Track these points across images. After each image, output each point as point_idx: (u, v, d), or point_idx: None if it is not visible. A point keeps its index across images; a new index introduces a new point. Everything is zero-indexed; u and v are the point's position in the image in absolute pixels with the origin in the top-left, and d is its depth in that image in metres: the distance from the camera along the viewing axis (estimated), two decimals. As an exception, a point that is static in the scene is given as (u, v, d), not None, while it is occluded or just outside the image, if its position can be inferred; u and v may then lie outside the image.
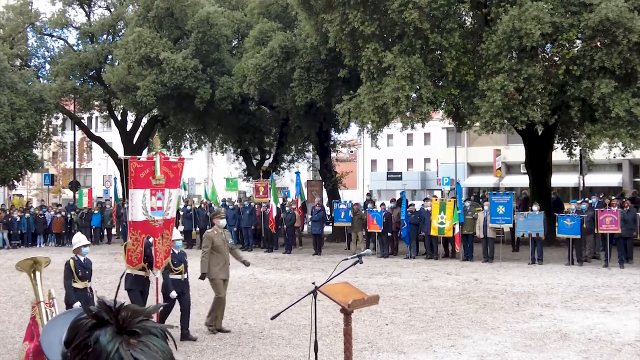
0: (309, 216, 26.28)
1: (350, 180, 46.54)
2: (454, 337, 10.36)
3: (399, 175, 58.82)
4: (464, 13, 22.90)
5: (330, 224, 27.78)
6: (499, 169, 44.53)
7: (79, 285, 9.45)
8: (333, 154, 35.29)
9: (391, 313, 12.40)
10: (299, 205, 25.72)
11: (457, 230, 20.63)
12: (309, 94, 25.07)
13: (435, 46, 21.34)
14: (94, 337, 1.43)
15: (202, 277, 11.12)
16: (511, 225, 21.00)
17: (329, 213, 27.39)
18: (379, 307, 12.63)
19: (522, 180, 34.28)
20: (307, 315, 7.65)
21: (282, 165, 34.59)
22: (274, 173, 30.95)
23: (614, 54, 18.61)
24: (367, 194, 32.76)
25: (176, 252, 10.60)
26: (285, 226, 24.41)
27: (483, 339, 10.17)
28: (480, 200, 27.07)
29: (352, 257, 6.85)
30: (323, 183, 31.96)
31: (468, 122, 23.87)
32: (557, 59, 20.39)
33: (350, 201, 25.04)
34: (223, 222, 11.61)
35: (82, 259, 9.58)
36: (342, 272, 6.48)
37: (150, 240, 9.93)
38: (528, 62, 19.83)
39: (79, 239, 9.83)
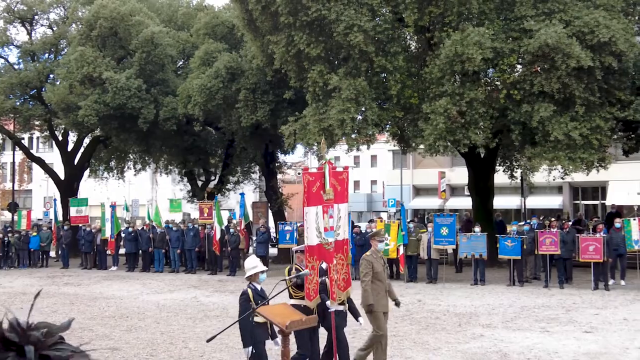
0: (254, 238, 26.06)
1: (298, 202, 46.39)
2: (396, 358, 10.32)
3: (346, 197, 58.83)
4: (408, 37, 23.21)
5: (276, 245, 27.59)
6: (444, 191, 45.07)
7: (259, 319, 7.65)
8: (279, 176, 35.17)
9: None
10: (244, 226, 25.49)
11: (401, 251, 20.71)
12: (254, 115, 24.99)
13: (380, 69, 21.55)
14: None
15: (369, 310, 9.22)
16: (454, 247, 21.20)
17: (274, 234, 27.21)
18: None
19: (466, 202, 34.72)
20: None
21: (227, 187, 34.28)
22: (219, 194, 30.66)
23: (553, 78, 19.07)
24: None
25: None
26: (229, 248, 24.15)
27: (425, 360, 10.16)
28: (425, 222, 27.30)
29: (290, 278, 6.75)
30: (269, 204, 31.78)
31: (413, 145, 24.13)
32: (499, 83, 20.81)
33: (296, 222, 24.94)
34: (381, 245, 9.87)
35: (259, 287, 7.86)
36: (280, 292, 6.37)
37: (324, 266, 8.54)
38: (470, 86, 20.17)
39: (255, 263, 8.04)
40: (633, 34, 20.17)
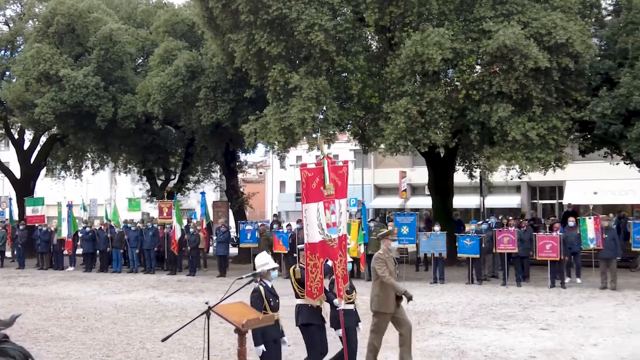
0: (214, 237, 25.87)
1: (258, 202, 46.30)
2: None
3: (308, 197, 58.84)
4: (369, 37, 23.28)
5: (237, 245, 27.45)
6: (405, 190, 45.35)
7: None
8: (240, 175, 34.97)
9: (295, 333, 12.20)
10: (204, 226, 25.30)
11: (362, 250, 20.75)
12: (214, 113, 24.80)
13: (341, 68, 21.56)
14: None
15: (408, 296, 9.19)
16: (414, 246, 21.33)
17: (235, 234, 27.07)
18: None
19: (426, 202, 34.99)
20: (206, 339, 7.41)
21: (187, 186, 33.96)
22: (179, 194, 30.37)
23: (511, 79, 19.30)
24: (274, 215, 32.63)
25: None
26: (189, 248, 23.94)
27: (383, 357, 10.16)
28: (386, 221, 27.42)
29: (246, 276, 6.69)
30: (229, 204, 31.59)
31: (373, 144, 24.19)
32: (458, 83, 20.98)
33: (256, 222, 24.83)
34: (394, 244, 9.84)
35: (270, 285, 7.77)
36: (236, 291, 6.31)
37: (330, 264, 8.42)
38: (430, 86, 20.31)
39: (266, 260, 7.85)
40: (589, 36, 20.53)
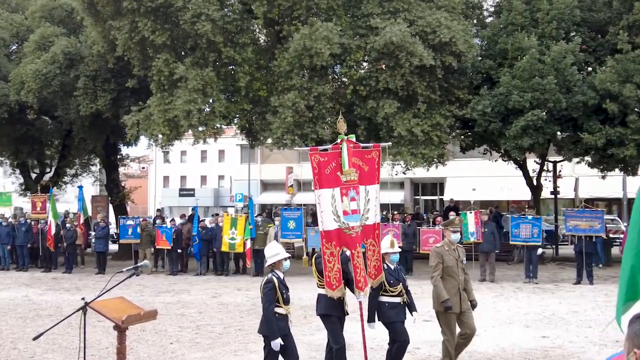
0: (93, 233, 24.79)
1: (140, 197, 44.95)
2: (241, 352, 10.08)
3: (192, 192, 58.02)
4: (257, 29, 22.98)
5: (117, 241, 26.44)
6: (291, 186, 45.36)
7: (282, 310, 7.21)
8: (122, 169, 33.73)
9: (177, 331, 11.82)
10: (81, 221, 24.17)
11: (248, 245, 20.49)
12: (94, 103, 23.70)
13: (228, 60, 21.18)
14: None
15: (446, 306, 8.33)
16: (302, 240, 21.27)
17: (115, 230, 26.07)
18: (164, 325, 12.05)
19: (313, 198, 35.13)
20: (82, 337, 6.92)
21: (64, 180, 32.39)
22: (55, 187, 28.88)
23: (397, 76, 19.62)
24: (158, 210, 31.72)
25: (392, 267, 8.24)
26: (65, 244, 22.78)
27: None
28: (272, 216, 27.22)
29: (127, 270, 6.26)
30: (109, 198, 30.40)
31: (261, 138, 23.97)
32: (346, 79, 21.11)
33: (138, 217, 23.98)
34: (455, 236, 8.80)
35: (282, 276, 7.29)
36: (116, 285, 5.89)
37: (348, 253, 7.71)
38: (318, 81, 20.31)
39: (277, 250, 7.38)
40: (472, 36, 21.24)
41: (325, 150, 7.95)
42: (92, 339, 10.47)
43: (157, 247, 22.17)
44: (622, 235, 24.60)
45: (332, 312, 7.88)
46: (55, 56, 23.50)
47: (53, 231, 22.89)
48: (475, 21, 23.46)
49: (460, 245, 8.91)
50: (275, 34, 22.20)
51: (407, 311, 8.26)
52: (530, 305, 14.65)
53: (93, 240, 23.68)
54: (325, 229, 7.63)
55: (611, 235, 24.04)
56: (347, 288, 7.82)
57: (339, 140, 7.86)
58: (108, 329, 10.76)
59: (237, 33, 21.19)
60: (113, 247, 26.90)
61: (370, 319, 8.05)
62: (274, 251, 7.38)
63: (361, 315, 7.93)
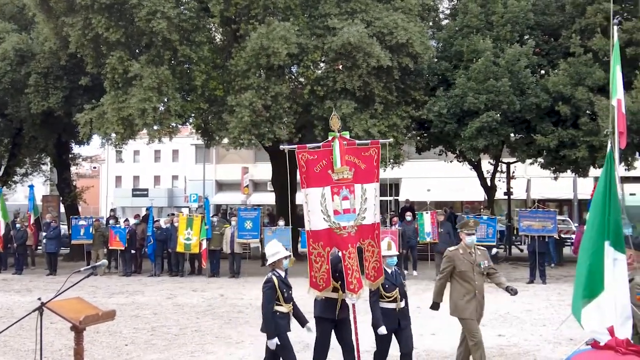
0: (44, 233, 24.23)
1: (92, 197, 44.14)
2: (198, 353, 9.97)
3: (146, 192, 57.28)
4: (213, 28, 22.77)
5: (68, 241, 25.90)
6: (247, 186, 45.13)
7: (283, 309, 7.24)
8: (73, 168, 33.06)
9: (132, 333, 11.62)
10: (32, 221, 23.61)
11: (204, 246, 20.29)
12: (46, 101, 23.19)
13: (184, 59, 20.97)
14: None
15: (433, 307, 8.51)
16: (258, 241, 21.16)
17: (66, 230, 25.54)
18: (118, 327, 11.83)
19: (268, 198, 35.00)
20: (38, 339, 6.74)
21: (14, 179, 31.61)
22: (4, 187, 28.15)
23: (355, 76, 19.67)
24: (111, 210, 31.19)
25: (389, 271, 7.92)
26: (15, 244, 22.22)
27: (227, 354, 9.92)
28: (227, 217, 27.04)
29: (85, 269, 6.11)
30: (61, 198, 29.76)
31: (217, 138, 23.76)
32: (303, 79, 21.06)
33: (91, 217, 23.52)
34: (471, 239, 8.30)
35: (282, 274, 7.30)
36: (72, 285, 5.74)
37: (339, 253, 7.54)
38: (275, 81, 20.22)
39: (277, 249, 7.36)
40: (428, 38, 21.43)
41: (317, 147, 7.76)
42: (45, 340, 10.12)
43: (110, 247, 21.78)
44: (573, 236, 25.09)
45: (325, 315, 7.78)
46: (5, 53, 22.96)
47: (2, 231, 22.34)
48: (431, 23, 23.68)
49: (483, 248, 8.63)
50: (232, 33, 22.03)
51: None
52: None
53: (44, 241, 23.13)
54: (312, 229, 7.48)
55: (563, 236, 24.51)
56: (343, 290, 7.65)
57: (330, 138, 7.67)
58: (61, 330, 10.58)
59: (193, 31, 20.96)
60: (64, 248, 26.36)
61: (379, 323, 7.77)
62: (273, 250, 7.37)
63: (354, 318, 7.75)
